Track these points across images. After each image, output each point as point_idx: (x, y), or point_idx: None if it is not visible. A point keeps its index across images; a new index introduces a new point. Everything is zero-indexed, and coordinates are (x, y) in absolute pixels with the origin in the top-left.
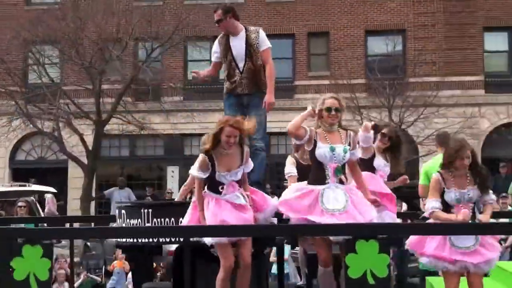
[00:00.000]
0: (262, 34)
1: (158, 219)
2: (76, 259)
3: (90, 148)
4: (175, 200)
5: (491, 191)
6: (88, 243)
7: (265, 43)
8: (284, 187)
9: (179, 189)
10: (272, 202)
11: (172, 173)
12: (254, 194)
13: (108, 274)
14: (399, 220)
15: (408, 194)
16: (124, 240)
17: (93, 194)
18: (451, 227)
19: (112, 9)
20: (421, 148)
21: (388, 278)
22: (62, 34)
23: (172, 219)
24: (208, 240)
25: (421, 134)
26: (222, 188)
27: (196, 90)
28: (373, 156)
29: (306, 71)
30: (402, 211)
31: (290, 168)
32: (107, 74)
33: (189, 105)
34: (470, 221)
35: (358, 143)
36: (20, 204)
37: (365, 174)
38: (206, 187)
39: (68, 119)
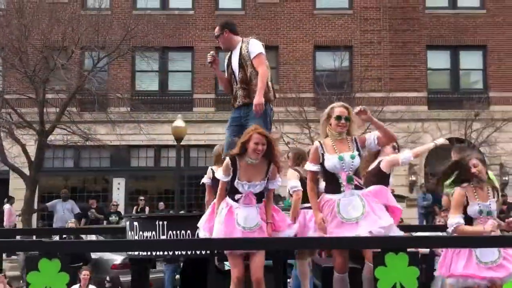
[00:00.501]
0: (252, 42)
1: (174, 232)
2: (17, 273)
3: (33, 159)
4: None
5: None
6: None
7: (255, 51)
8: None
9: (125, 201)
10: (292, 228)
11: (118, 185)
12: (275, 213)
13: None
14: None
15: None
16: (137, 253)
17: (35, 206)
18: (484, 239)
19: (58, 17)
20: None
21: None
22: (5, 41)
23: (188, 231)
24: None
25: None
26: (240, 197)
27: (144, 101)
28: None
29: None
30: None
31: (295, 183)
32: (52, 83)
33: (136, 116)
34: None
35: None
36: None
37: (374, 187)
38: (227, 191)
39: (10, 129)
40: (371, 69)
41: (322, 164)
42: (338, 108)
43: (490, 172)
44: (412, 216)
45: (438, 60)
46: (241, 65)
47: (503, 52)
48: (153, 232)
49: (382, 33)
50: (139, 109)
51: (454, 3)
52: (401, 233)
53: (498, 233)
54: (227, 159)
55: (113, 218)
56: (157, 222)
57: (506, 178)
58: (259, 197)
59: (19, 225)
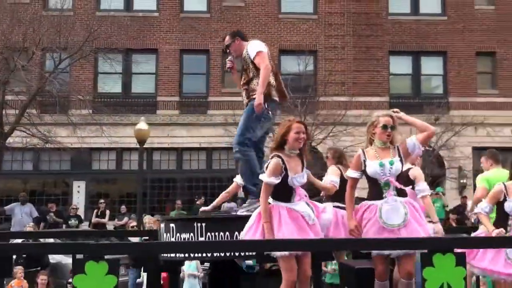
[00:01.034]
0: (251, 43)
1: (213, 233)
2: None
3: None
4: (207, 207)
5: None
6: None
7: (253, 51)
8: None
9: (85, 204)
10: (326, 212)
11: (78, 188)
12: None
13: None
14: None
15: None
16: (174, 255)
17: None
18: None
19: (19, 17)
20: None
21: None
22: None
23: (227, 233)
24: (277, 253)
25: None
26: (292, 195)
27: (106, 104)
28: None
29: (220, 87)
30: None
31: (335, 178)
32: (11, 84)
33: (98, 119)
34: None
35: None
36: None
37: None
38: (271, 197)
39: None
40: (335, 74)
41: (364, 171)
42: (384, 117)
43: None
44: None
45: (400, 65)
46: (244, 69)
47: (462, 58)
48: (191, 234)
49: (346, 38)
50: (101, 112)
51: (416, 10)
52: None
53: None
54: (276, 158)
55: (73, 221)
56: (195, 224)
57: (464, 181)
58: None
59: None
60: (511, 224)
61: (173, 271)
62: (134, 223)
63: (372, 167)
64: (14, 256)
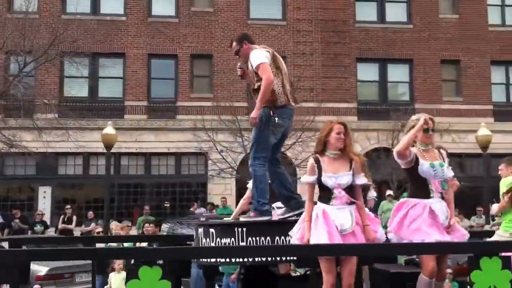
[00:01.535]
0: (253, 54)
1: (254, 238)
2: None
3: None
4: (232, 215)
5: None
6: None
7: (255, 62)
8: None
9: (51, 210)
10: (380, 233)
11: (44, 194)
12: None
13: None
14: None
15: None
16: (214, 260)
17: None
18: None
19: None
20: (299, 170)
21: None
22: None
23: (268, 237)
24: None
25: (299, 157)
26: (331, 197)
27: (72, 108)
28: None
29: (188, 92)
30: None
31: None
32: None
33: (64, 123)
34: None
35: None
36: None
37: None
38: (318, 198)
39: None
40: (303, 80)
41: (414, 169)
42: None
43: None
44: None
45: (367, 72)
46: (250, 78)
47: (428, 66)
48: (232, 239)
49: (314, 44)
50: (67, 116)
51: (382, 18)
52: None
53: None
54: (310, 158)
55: (38, 227)
56: (236, 229)
57: None
58: (350, 195)
59: None
60: None
61: (211, 277)
62: (100, 229)
63: (425, 166)
64: None
